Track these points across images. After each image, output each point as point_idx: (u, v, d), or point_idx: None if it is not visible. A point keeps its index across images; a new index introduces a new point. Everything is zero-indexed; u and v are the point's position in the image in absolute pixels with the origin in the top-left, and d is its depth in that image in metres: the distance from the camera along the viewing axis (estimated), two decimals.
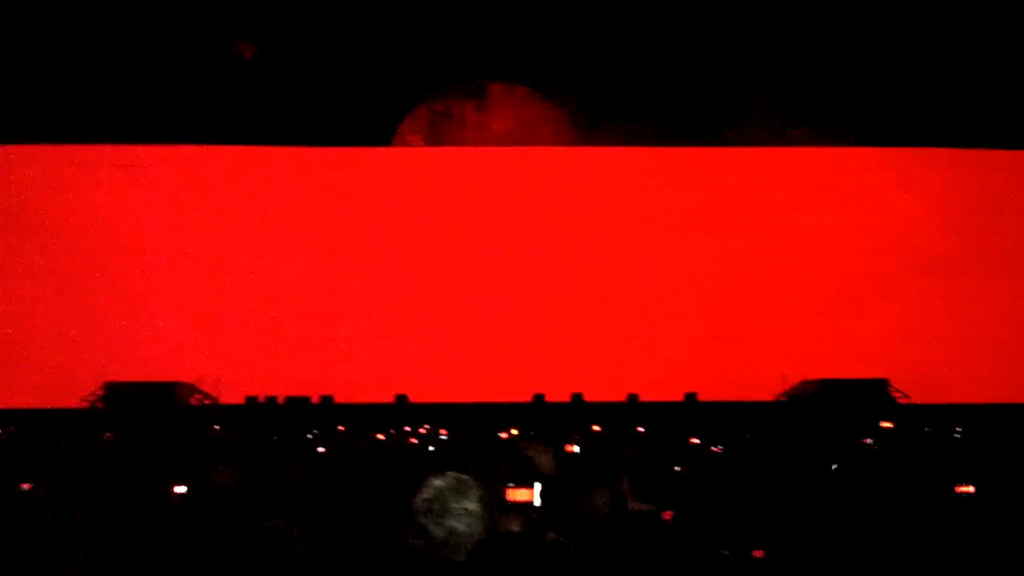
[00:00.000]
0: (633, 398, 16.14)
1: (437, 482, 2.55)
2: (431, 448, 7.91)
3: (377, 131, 19.51)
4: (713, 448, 7.76)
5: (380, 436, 9.52)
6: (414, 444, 8.74)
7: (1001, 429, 10.48)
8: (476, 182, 18.77)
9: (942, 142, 18.99)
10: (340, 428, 11.64)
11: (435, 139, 19.98)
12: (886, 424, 12.61)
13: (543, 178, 18.98)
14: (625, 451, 5.87)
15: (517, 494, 3.18)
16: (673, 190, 19.01)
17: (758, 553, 3.52)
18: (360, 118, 18.91)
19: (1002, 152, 18.89)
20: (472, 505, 2.48)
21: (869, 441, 7.54)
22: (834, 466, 5.32)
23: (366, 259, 18.31)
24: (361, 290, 18.14)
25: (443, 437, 9.53)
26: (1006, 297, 18.26)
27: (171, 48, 18.19)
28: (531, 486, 3.23)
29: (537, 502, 3.27)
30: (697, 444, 7.76)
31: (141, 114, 17.83)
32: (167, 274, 17.61)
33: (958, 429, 10.67)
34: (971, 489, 4.54)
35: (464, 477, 2.57)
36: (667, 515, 3.12)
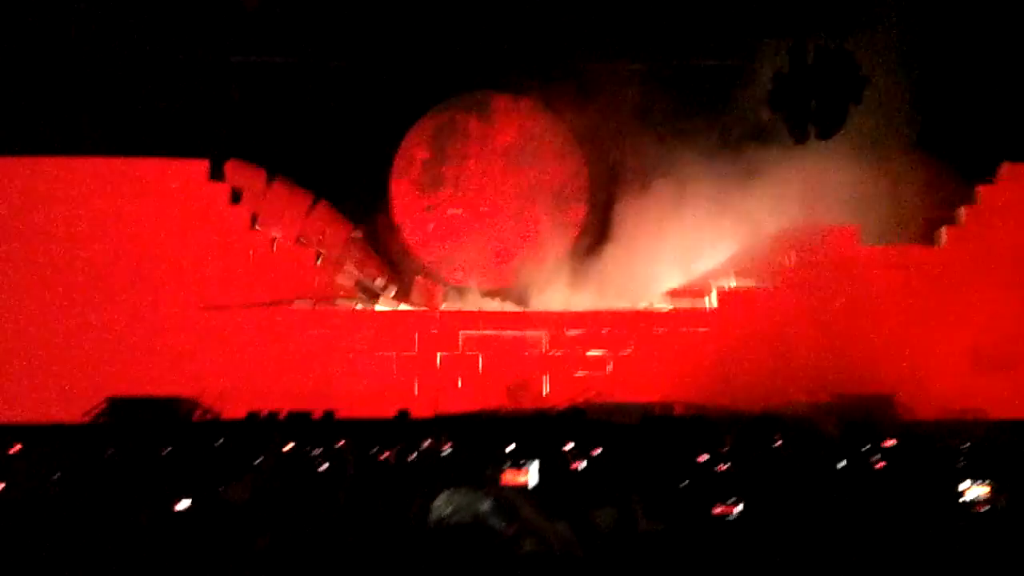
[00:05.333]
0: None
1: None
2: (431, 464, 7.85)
3: (381, 143, 19.53)
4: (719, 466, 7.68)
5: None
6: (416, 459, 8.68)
7: (1008, 445, 10.40)
8: None
9: None
10: (341, 443, 11.51)
11: (439, 151, 19.97)
12: (890, 442, 12.47)
13: None
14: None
15: (513, 477, 3.19)
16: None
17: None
18: (364, 129, 18.90)
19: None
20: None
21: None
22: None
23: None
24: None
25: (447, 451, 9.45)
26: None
27: (171, 58, 18.21)
28: (525, 468, 3.23)
29: (532, 482, 3.27)
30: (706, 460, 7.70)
31: (139, 126, 17.88)
32: (168, 287, 17.58)
33: (964, 446, 10.56)
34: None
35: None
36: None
